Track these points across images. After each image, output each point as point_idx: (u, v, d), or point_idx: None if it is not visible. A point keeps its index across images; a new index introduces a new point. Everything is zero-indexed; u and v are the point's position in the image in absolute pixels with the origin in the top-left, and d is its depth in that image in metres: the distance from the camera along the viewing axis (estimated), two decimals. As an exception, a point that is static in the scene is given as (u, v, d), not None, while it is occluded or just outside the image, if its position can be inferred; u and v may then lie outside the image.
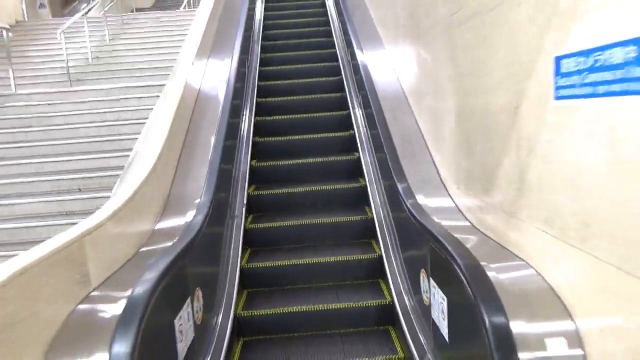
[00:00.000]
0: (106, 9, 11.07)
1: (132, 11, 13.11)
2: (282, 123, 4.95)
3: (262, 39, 6.76)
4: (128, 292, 1.80)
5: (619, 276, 1.32)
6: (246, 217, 3.82)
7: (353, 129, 4.71)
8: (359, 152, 4.40)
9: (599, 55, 1.32)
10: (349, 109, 4.98)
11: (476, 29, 2.21)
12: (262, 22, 7.32)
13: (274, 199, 4.07)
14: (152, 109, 5.67)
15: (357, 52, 5.00)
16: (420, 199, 2.64)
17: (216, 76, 4.38)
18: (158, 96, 5.96)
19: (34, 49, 8.21)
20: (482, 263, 1.87)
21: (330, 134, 4.74)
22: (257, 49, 6.36)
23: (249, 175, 4.21)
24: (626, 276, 1.29)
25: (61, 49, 7.79)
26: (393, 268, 3.18)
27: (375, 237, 3.63)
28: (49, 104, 6.04)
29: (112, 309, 1.76)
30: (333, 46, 6.36)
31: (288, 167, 4.37)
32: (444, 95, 2.77)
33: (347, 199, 4.09)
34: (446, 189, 2.72)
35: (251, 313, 3.02)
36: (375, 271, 3.40)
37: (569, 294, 1.61)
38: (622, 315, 1.34)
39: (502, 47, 1.94)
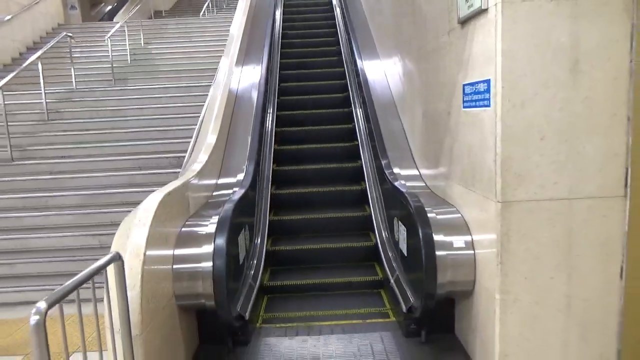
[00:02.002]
0: (133, 12, 12.33)
1: (150, 16, 14.31)
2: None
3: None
4: (212, 219, 3.04)
5: (485, 200, 2.55)
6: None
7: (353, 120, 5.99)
8: (357, 140, 5.66)
9: (476, 85, 2.55)
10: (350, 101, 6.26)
11: (431, 61, 3.45)
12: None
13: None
14: (185, 105, 6.99)
15: (359, 62, 6.25)
16: (396, 170, 3.89)
17: (249, 81, 5.64)
18: (191, 94, 7.29)
19: (78, 50, 9.38)
20: (427, 208, 3.09)
21: (334, 127, 6.03)
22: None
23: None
24: (488, 200, 2.51)
25: (101, 50, 9.11)
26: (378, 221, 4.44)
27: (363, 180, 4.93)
28: (102, 100, 7.29)
29: (204, 227, 3.00)
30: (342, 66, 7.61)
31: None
32: (416, 102, 4.00)
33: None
34: (415, 164, 3.97)
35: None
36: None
37: (469, 218, 2.84)
38: (488, 225, 2.54)
39: (442, 75, 3.17)
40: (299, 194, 5.06)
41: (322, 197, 5.04)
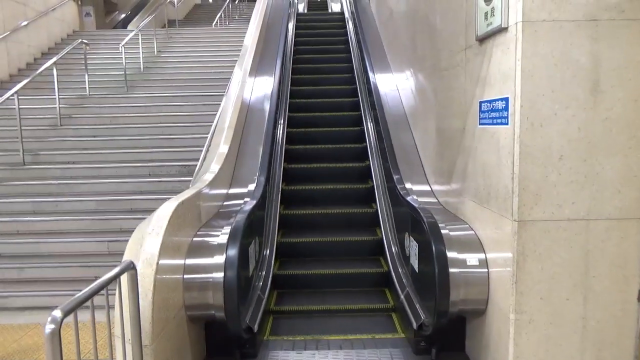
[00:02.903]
0: (146, 21, 12.45)
1: (164, 25, 14.38)
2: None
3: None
4: (223, 229, 3.03)
5: (500, 219, 2.52)
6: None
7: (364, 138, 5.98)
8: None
9: (494, 103, 2.54)
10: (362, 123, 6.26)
11: (445, 78, 3.45)
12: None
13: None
14: (193, 114, 7.02)
15: (371, 75, 6.27)
16: (408, 185, 3.87)
17: (262, 92, 5.67)
18: (202, 104, 7.33)
19: (92, 57, 9.44)
20: (440, 224, 3.07)
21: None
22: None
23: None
24: (504, 218, 2.49)
25: (114, 57, 9.19)
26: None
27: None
28: (114, 107, 7.35)
29: (216, 237, 2.99)
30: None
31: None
32: (429, 117, 3.99)
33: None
34: (427, 180, 3.95)
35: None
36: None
37: (482, 235, 2.82)
38: (503, 243, 2.51)
39: (457, 91, 3.17)
40: (308, 215, 4.96)
41: (332, 218, 4.96)
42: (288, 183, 5.43)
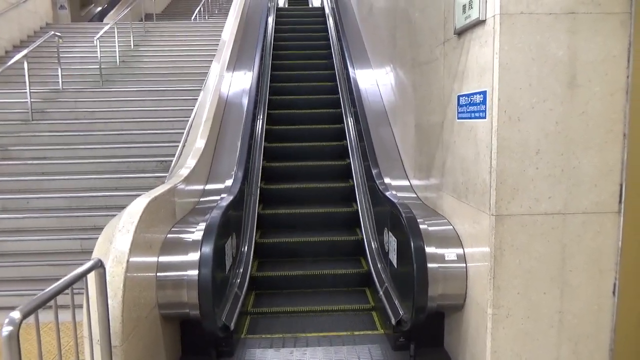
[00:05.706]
0: (122, 14, 12.17)
1: (141, 19, 14.04)
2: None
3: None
4: (199, 225, 2.96)
5: (478, 213, 2.51)
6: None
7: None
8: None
9: (472, 97, 2.52)
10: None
11: (424, 73, 3.42)
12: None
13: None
14: (170, 109, 6.88)
15: (351, 70, 6.23)
16: (387, 180, 3.85)
17: (240, 87, 5.58)
18: (179, 98, 7.19)
19: (66, 50, 9.17)
20: (419, 219, 3.05)
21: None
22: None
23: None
24: (481, 212, 2.48)
25: (88, 51, 8.96)
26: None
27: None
28: (89, 101, 7.16)
29: (190, 233, 2.92)
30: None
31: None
32: (408, 112, 3.97)
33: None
34: (406, 175, 3.93)
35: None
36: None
37: (461, 230, 2.80)
38: (481, 238, 2.51)
39: (436, 86, 3.14)
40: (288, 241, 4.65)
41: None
42: (267, 182, 5.37)
